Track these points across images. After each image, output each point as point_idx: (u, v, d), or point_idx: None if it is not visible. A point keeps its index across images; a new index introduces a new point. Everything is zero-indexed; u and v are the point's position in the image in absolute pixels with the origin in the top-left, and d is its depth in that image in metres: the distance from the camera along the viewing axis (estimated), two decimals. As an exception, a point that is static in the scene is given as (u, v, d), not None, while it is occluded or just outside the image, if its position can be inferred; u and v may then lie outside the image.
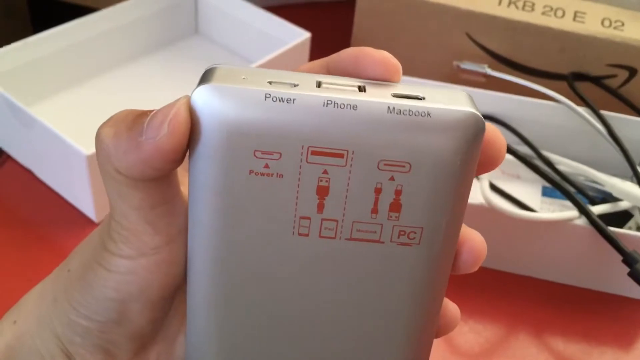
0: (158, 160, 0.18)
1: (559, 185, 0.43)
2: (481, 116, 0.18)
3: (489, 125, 0.19)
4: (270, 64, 0.52)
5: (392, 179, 0.18)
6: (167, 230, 0.20)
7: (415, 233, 0.19)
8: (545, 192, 0.50)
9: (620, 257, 0.39)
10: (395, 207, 0.19)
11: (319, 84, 0.18)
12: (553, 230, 0.42)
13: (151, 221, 0.20)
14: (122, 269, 0.20)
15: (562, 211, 0.41)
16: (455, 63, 0.55)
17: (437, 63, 0.57)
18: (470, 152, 0.18)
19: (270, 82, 0.18)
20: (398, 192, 0.19)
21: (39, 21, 0.66)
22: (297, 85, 0.18)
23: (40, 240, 0.44)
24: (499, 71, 0.54)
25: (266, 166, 0.18)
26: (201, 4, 0.62)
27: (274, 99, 0.17)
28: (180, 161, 0.19)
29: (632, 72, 0.54)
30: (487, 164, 0.20)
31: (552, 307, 0.43)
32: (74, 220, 0.45)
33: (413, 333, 0.21)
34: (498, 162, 0.20)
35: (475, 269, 0.21)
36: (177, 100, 0.18)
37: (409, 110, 0.18)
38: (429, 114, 0.18)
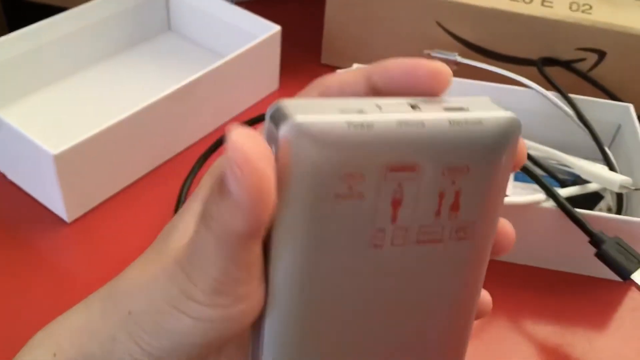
0: (260, 208, 0.18)
1: (526, 169, 0.43)
2: (517, 117, 0.21)
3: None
4: (242, 58, 0.52)
5: (453, 182, 0.21)
6: (259, 273, 0.20)
7: (470, 228, 0.22)
8: (517, 177, 0.51)
9: (587, 239, 0.40)
10: (455, 207, 0.21)
11: (379, 107, 0.20)
12: (522, 214, 0.42)
13: (248, 269, 0.20)
14: (215, 317, 0.20)
15: (531, 195, 0.42)
16: (425, 52, 0.55)
17: (410, 52, 0.57)
18: (514, 148, 0.21)
19: (341, 110, 0.19)
20: (458, 193, 0.21)
21: (10, 22, 0.66)
22: (364, 111, 0.20)
23: (13, 240, 0.44)
24: (470, 59, 0.54)
25: (349, 188, 0.20)
26: (172, 1, 0.62)
27: (355, 126, 0.19)
28: (274, 184, 0.18)
29: (601, 55, 0.54)
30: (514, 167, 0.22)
31: (523, 290, 0.43)
32: (45, 220, 0.45)
33: (467, 317, 0.24)
34: (520, 165, 0.22)
35: (508, 251, 0.24)
36: (231, 140, 0.17)
37: (465, 121, 0.20)
38: (480, 122, 0.20)
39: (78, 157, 0.43)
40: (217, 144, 0.50)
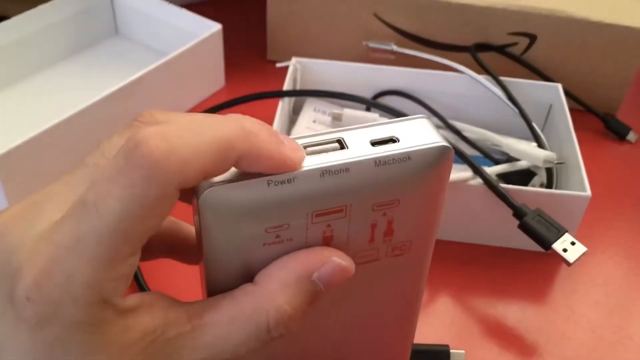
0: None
1: (455, 149, 0.44)
2: (447, 142, 0.20)
3: None
4: (183, 57, 0.53)
5: (384, 214, 0.21)
6: None
7: (406, 245, 0.22)
8: (457, 160, 0.52)
9: (512, 212, 0.41)
10: (389, 232, 0.22)
11: (305, 150, 0.20)
12: (451, 192, 0.44)
13: None
14: None
15: (459, 173, 0.43)
16: (364, 43, 0.57)
17: (349, 44, 0.59)
18: (447, 174, 0.21)
19: None
20: (390, 222, 0.21)
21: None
22: None
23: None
24: (407, 48, 0.56)
25: (277, 236, 0.20)
26: (117, 5, 0.63)
27: (276, 183, 0.19)
28: None
29: (532, 38, 0.56)
30: None
31: (457, 265, 0.45)
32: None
33: (413, 313, 0.25)
34: None
35: None
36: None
37: (392, 159, 0.20)
38: (409, 158, 0.20)
39: (21, 159, 0.44)
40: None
